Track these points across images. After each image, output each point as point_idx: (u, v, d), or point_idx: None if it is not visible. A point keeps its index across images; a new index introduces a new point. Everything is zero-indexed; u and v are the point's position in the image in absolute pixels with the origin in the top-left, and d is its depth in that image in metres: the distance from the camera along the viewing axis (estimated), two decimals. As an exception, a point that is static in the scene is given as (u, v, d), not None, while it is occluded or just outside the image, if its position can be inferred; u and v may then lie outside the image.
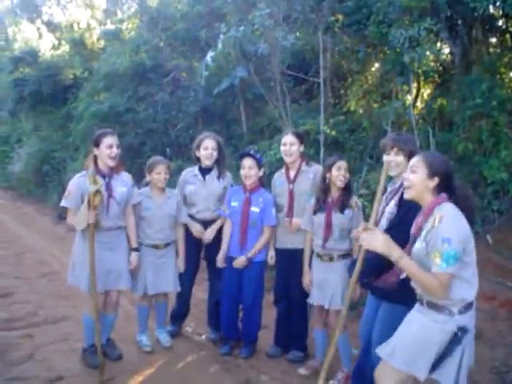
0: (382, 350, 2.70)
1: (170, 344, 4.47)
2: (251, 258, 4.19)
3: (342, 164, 3.76)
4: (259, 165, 4.22)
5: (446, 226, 2.42)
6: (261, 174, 4.25)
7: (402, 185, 2.96)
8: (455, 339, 2.47)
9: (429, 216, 2.53)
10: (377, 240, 2.58)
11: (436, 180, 2.53)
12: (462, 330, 2.48)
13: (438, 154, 2.83)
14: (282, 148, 4.21)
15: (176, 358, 4.27)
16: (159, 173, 4.27)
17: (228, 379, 3.93)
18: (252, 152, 4.32)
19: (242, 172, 4.21)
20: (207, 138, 4.47)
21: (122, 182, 4.07)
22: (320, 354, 4.05)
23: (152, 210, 4.29)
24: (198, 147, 4.47)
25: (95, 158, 3.98)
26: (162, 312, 4.57)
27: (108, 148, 3.90)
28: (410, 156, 2.89)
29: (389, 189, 3.28)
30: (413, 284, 2.64)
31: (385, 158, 3.22)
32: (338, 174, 3.74)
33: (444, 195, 2.54)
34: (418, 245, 2.55)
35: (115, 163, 3.98)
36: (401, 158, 3.11)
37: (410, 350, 2.56)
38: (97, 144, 3.94)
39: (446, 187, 2.55)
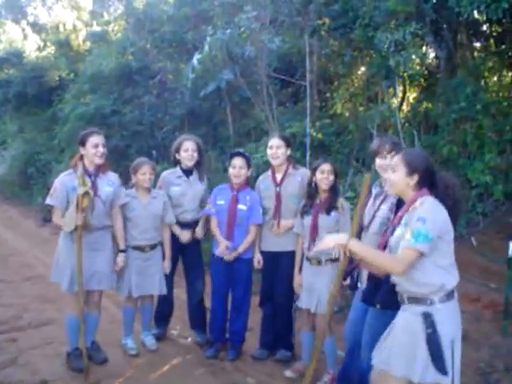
0: (376, 359, 2.67)
1: (156, 347, 4.44)
2: (239, 254, 4.20)
3: (326, 167, 3.78)
4: (249, 164, 4.25)
5: (425, 208, 2.48)
6: (249, 174, 4.28)
7: None
8: (427, 322, 2.46)
9: (410, 207, 2.58)
10: (324, 240, 2.70)
11: (416, 177, 2.59)
12: (430, 314, 2.48)
13: (417, 151, 2.89)
14: (269, 151, 4.21)
15: (161, 362, 4.24)
16: (144, 173, 4.27)
17: (214, 382, 3.92)
18: (242, 151, 4.34)
19: (232, 171, 4.20)
20: (187, 140, 4.50)
21: (109, 182, 4.05)
22: (306, 357, 4.04)
23: (137, 210, 4.28)
24: (178, 150, 4.48)
25: (81, 158, 3.95)
26: (147, 314, 4.54)
27: (94, 147, 3.89)
28: None
29: (373, 191, 3.30)
30: (366, 267, 2.68)
31: (379, 161, 3.23)
32: (322, 177, 3.77)
33: (425, 190, 2.59)
34: (398, 232, 2.59)
35: (103, 161, 3.96)
36: None
37: (403, 352, 2.54)
38: (83, 143, 3.91)
39: (428, 182, 2.61)
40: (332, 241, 2.66)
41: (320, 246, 2.74)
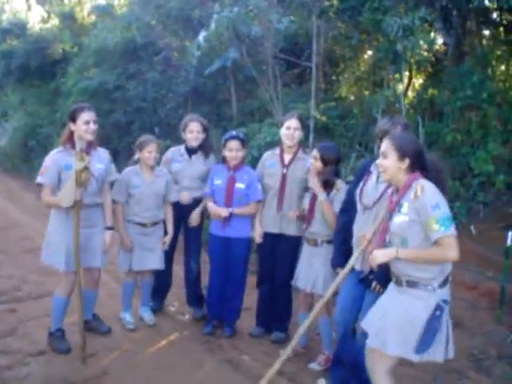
0: (373, 341, 2.73)
1: (154, 322, 4.48)
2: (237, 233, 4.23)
3: (314, 153, 3.82)
4: (244, 146, 4.27)
5: (430, 193, 2.54)
6: (244, 154, 4.32)
7: None
8: (438, 313, 2.55)
9: (406, 191, 2.62)
10: (378, 254, 2.70)
11: (407, 161, 2.63)
12: (444, 302, 2.57)
13: (404, 135, 2.91)
14: (285, 131, 4.13)
15: (159, 337, 4.29)
16: (150, 151, 4.25)
17: (210, 359, 3.96)
18: (237, 134, 4.31)
19: (229, 154, 4.18)
20: (192, 121, 4.52)
21: (100, 159, 3.96)
22: (302, 338, 4.09)
23: (140, 187, 4.28)
24: (184, 130, 4.54)
25: (71, 134, 3.81)
26: (146, 290, 4.57)
27: (85, 124, 3.73)
28: None
29: (374, 171, 3.28)
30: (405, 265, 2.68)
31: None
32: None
33: (418, 173, 2.64)
34: (400, 218, 2.62)
35: (93, 137, 3.82)
36: None
37: (398, 332, 2.61)
38: (73, 119, 3.75)
39: (419, 165, 2.66)
40: (384, 257, 2.67)
41: (373, 264, 2.76)
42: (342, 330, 3.40)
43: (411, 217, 2.57)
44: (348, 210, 3.39)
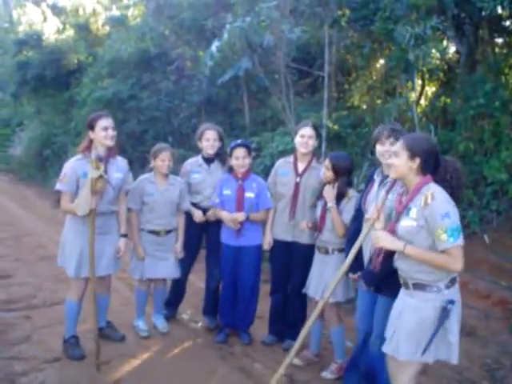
0: (387, 348, 2.75)
1: (167, 330, 4.51)
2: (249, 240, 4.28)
3: (326, 162, 3.85)
4: (250, 153, 4.31)
5: (440, 201, 2.54)
6: (251, 161, 4.36)
7: None
8: (445, 313, 2.55)
9: (416, 195, 2.63)
10: (386, 238, 2.70)
11: (417, 160, 2.64)
12: (451, 303, 2.57)
13: (417, 134, 2.95)
14: (300, 139, 4.14)
15: (172, 344, 4.32)
16: (163, 160, 4.31)
17: (223, 366, 3.98)
18: (242, 142, 4.36)
19: (236, 162, 4.22)
20: (208, 129, 4.57)
21: (118, 167, 4.03)
22: (315, 346, 4.10)
23: (154, 195, 4.33)
24: (200, 138, 4.57)
25: (91, 143, 3.90)
26: (159, 297, 4.61)
27: (103, 130, 3.82)
28: None
29: (376, 178, 3.34)
30: (405, 267, 2.70)
31: (379, 148, 3.28)
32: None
33: (429, 176, 2.64)
34: (408, 223, 2.63)
35: (113, 143, 3.91)
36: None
37: (410, 337, 2.62)
38: (92, 127, 3.85)
39: (431, 165, 2.66)
40: (391, 244, 2.69)
41: (376, 243, 2.78)
42: (362, 336, 3.41)
43: (419, 223, 2.58)
44: (359, 218, 3.40)
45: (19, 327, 4.47)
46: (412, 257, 2.61)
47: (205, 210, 4.51)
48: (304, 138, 4.12)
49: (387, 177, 3.24)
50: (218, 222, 4.44)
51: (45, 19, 16.56)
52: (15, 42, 13.97)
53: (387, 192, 3.17)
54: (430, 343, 2.56)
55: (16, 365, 3.80)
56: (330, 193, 3.79)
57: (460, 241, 2.50)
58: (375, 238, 2.77)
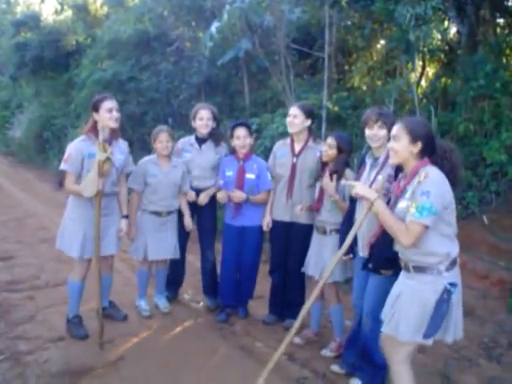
0: (386, 328, 2.78)
1: (169, 309, 4.57)
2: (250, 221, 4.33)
3: (329, 140, 3.83)
4: (251, 133, 4.33)
5: (429, 180, 2.54)
6: (252, 142, 4.38)
7: (386, 159, 3.10)
8: (446, 296, 2.58)
9: (413, 177, 2.64)
10: (362, 187, 2.80)
11: (419, 144, 2.63)
12: (452, 285, 2.59)
13: (417, 118, 2.95)
14: (287, 119, 4.21)
15: (173, 324, 4.38)
16: (161, 141, 4.34)
17: (224, 345, 4.04)
18: (244, 121, 4.40)
19: (237, 142, 4.26)
20: (202, 108, 4.56)
21: (120, 149, 4.07)
22: (315, 325, 4.16)
23: (157, 177, 4.36)
24: (194, 118, 4.57)
25: (95, 124, 3.94)
26: (161, 278, 4.66)
27: (108, 112, 3.85)
28: (391, 129, 2.90)
29: (367, 161, 3.36)
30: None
31: (367, 132, 3.29)
32: (323, 150, 3.87)
33: (427, 159, 2.65)
34: (403, 204, 2.65)
35: (118, 125, 3.95)
36: (384, 132, 3.21)
37: (411, 319, 2.64)
38: (96, 109, 3.88)
39: (430, 149, 2.66)
40: (362, 191, 2.75)
41: (351, 191, 2.88)
42: (359, 314, 3.46)
43: (409, 203, 2.59)
44: (354, 200, 3.43)
45: (23, 307, 4.54)
46: (378, 213, 2.65)
47: (196, 190, 4.51)
48: (290, 116, 4.16)
49: (377, 159, 3.28)
50: (210, 204, 4.52)
51: (42, 0, 16.42)
52: (13, 24, 13.87)
53: (377, 173, 3.21)
54: (433, 326, 2.59)
55: (21, 344, 3.87)
56: (330, 186, 3.76)
57: (424, 220, 2.49)
58: (351, 187, 2.87)
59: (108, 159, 3.67)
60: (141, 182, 4.37)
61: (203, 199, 4.49)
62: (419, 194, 2.52)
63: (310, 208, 4.01)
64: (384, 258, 2.95)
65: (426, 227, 2.52)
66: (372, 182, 3.20)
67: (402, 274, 2.78)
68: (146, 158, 4.46)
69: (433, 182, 2.53)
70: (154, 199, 4.39)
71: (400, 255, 2.77)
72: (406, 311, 2.67)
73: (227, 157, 4.47)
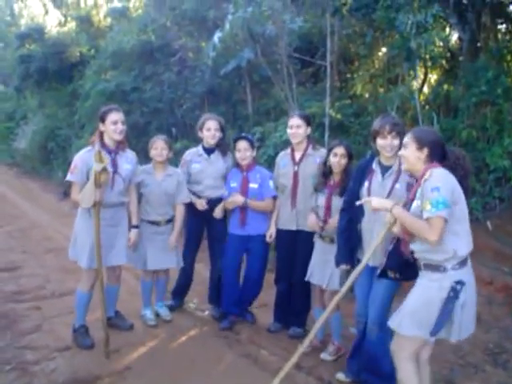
0: (392, 322, 2.86)
1: (170, 317, 4.60)
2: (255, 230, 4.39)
3: (339, 150, 3.85)
4: (252, 146, 4.43)
5: (435, 177, 2.66)
6: (254, 154, 4.46)
7: (400, 167, 3.15)
8: (452, 294, 2.62)
9: (422, 179, 2.74)
10: (374, 201, 2.98)
11: (426, 151, 2.78)
12: (459, 283, 2.63)
13: (425, 128, 3.12)
14: (289, 131, 4.27)
15: (179, 332, 4.40)
16: (156, 148, 4.40)
17: (229, 353, 4.06)
18: (245, 135, 4.53)
19: (238, 155, 4.38)
20: (209, 119, 4.62)
21: (127, 159, 4.12)
22: (320, 333, 4.16)
23: (150, 186, 4.40)
24: (201, 128, 4.61)
25: (101, 135, 4.00)
26: (161, 287, 4.68)
27: (113, 124, 3.92)
28: (402, 138, 3.02)
29: (375, 168, 3.37)
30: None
31: (380, 141, 3.30)
32: (334, 160, 3.86)
33: (435, 163, 2.76)
34: (415, 204, 2.76)
35: (122, 137, 4.01)
36: (397, 142, 3.24)
37: (415, 314, 2.72)
38: (102, 120, 3.96)
39: (438, 155, 2.79)
40: (378, 205, 2.90)
41: (368, 205, 3.02)
42: (364, 323, 3.47)
43: (419, 202, 2.70)
44: (350, 209, 3.44)
45: (30, 317, 4.57)
46: (398, 218, 2.76)
47: (207, 201, 4.54)
48: (292, 128, 4.23)
49: (388, 168, 3.30)
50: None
51: (46, 12, 16.58)
52: (17, 36, 13.95)
53: (394, 182, 3.23)
54: (439, 323, 2.63)
55: (28, 354, 3.90)
56: (315, 226, 4.00)
57: (441, 213, 2.57)
58: (365, 202, 3.07)
59: (104, 170, 3.69)
60: (136, 191, 4.39)
61: (219, 213, 4.53)
62: (429, 190, 2.62)
63: (324, 221, 3.96)
64: (403, 262, 2.98)
65: (445, 220, 2.59)
66: (390, 192, 3.23)
67: (419, 273, 2.85)
68: (141, 167, 4.45)
69: (440, 177, 2.65)
70: (148, 209, 4.43)
71: (415, 255, 2.84)
72: (411, 306, 2.75)
73: (233, 169, 4.56)
